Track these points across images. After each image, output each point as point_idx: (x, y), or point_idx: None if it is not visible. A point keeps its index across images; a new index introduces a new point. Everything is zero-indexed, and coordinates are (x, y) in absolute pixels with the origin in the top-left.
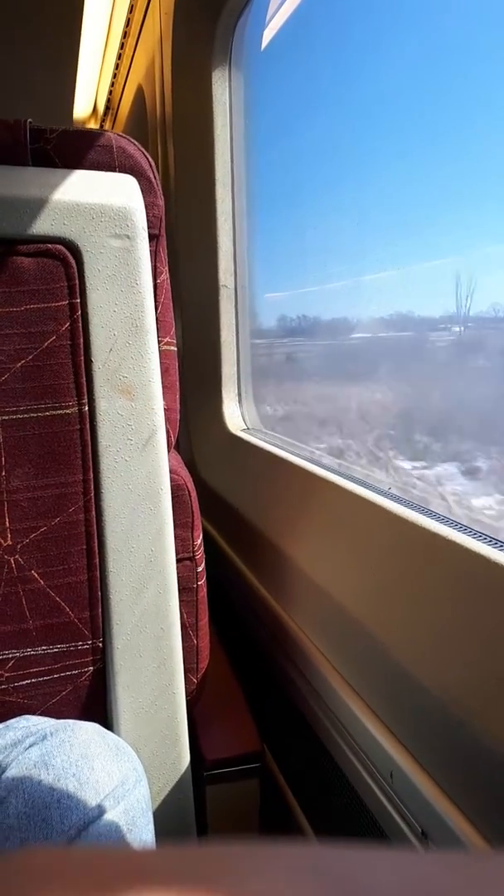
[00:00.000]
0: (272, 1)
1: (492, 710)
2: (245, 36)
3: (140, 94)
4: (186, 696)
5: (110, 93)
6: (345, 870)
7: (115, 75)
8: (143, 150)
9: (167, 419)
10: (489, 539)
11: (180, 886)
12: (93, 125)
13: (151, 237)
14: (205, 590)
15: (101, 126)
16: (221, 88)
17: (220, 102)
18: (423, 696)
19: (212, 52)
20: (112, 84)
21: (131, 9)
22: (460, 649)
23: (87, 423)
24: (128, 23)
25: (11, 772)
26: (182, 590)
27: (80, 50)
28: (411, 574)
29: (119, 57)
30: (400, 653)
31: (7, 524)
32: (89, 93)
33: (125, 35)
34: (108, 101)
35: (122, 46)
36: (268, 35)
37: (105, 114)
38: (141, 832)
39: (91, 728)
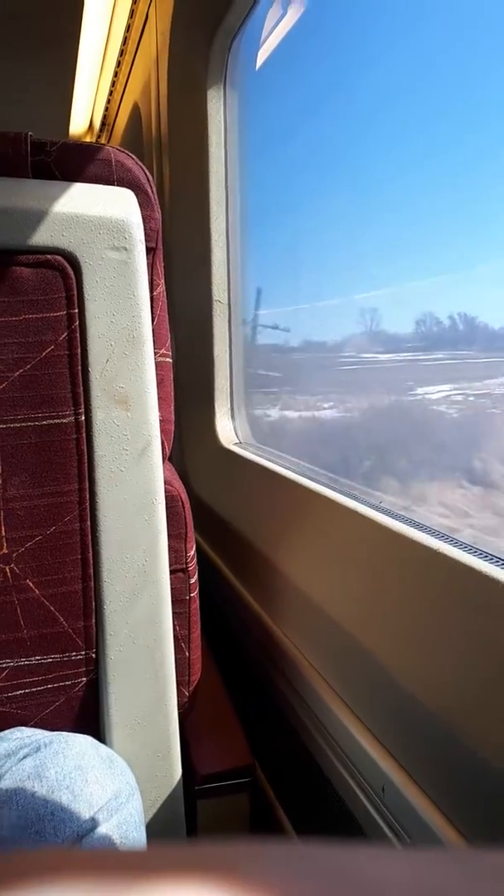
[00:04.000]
0: (267, 22)
1: (485, 724)
2: (240, 55)
3: (136, 111)
4: (178, 709)
5: (106, 109)
6: (340, 865)
7: (111, 92)
8: (140, 164)
9: (162, 430)
10: (481, 553)
11: (177, 883)
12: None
13: (148, 250)
14: (197, 602)
15: (97, 142)
16: (217, 107)
17: (215, 120)
18: (416, 710)
19: (207, 71)
20: (108, 101)
21: (128, 28)
22: (452, 662)
23: (83, 433)
24: (125, 41)
25: (5, 783)
26: (175, 601)
27: (78, 67)
28: (403, 588)
29: (115, 74)
30: (392, 667)
31: (3, 533)
32: (86, 109)
33: (122, 53)
34: (105, 117)
35: (118, 64)
36: (262, 55)
37: (101, 130)
38: (134, 846)
39: (84, 740)
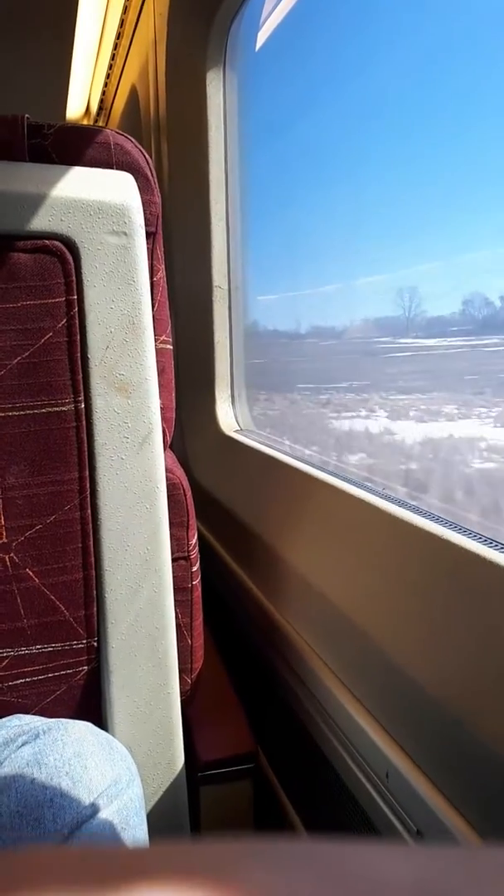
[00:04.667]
0: (266, 3)
1: (487, 709)
2: (239, 37)
3: (134, 94)
4: (181, 697)
5: (104, 93)
6: (344, 864)
7: (108, 75)
8: (140, 147)
9: (163, 418)
10: (486, 539)
11: (178, 883)
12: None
13: (148, 235)
14: (199, 590)
15: (95, 125)
16: (215, 89)
17: (214, 103)
18: (419, 695)
19: (206, 54)
20: (105, 84)
21: (125, 9)
22: (455, 648)
23: (83, 421)
24: (122, 23)
25: (4, 770)
26: (177, 589)
27: (74, 50)
28: (405, 573)
29: (113, 57)
30: (395, 652)
31: (2, 522)
32: (83, 93)
33: (119, 35)
34: (102, 101)
35: (115, 47)
36: (262, 37)
37: (98, 114)
38: (134, 832)
39: (84, 727)
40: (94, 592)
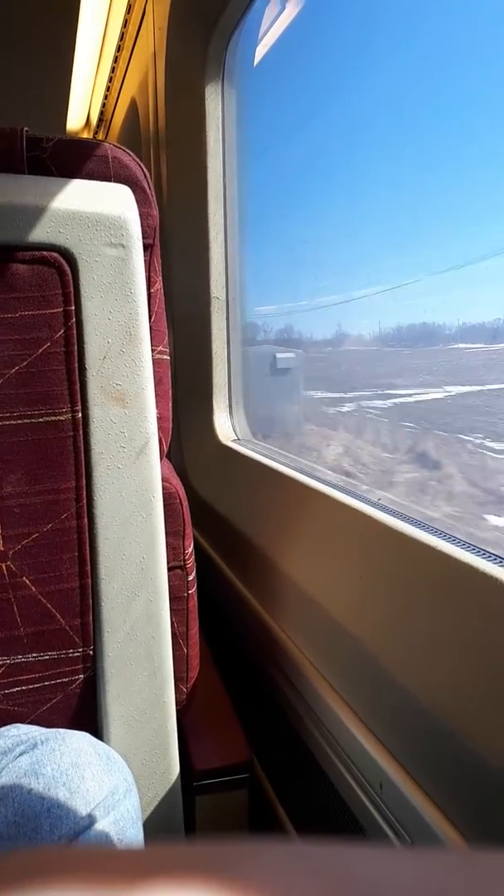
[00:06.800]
0: (265, 18)
1: (481, 720)
2: (238, 52)
3: (133, 107)
4: (176, 706)
5: (104, 105)
6: (343, 866)
7: (108, 88)
8: (138, 160)
9: (160, 428)
10: (480, 550)
11: (177, 883)
12: (86, 137)
13: (146, 247)
14: (195, 599)
15: (95, 138)
16: (214, 103)
17: (212, 117)
18: (413, 706)
19: (205, 68)
20: (105, 97)
21: (125, 23)
22: (449, 659)
23: (80, 431)
24: (122, 37)
25: (1, 780)
26: (173, 598)
27: (75, 63)
28: (400, 584)
29: (113, 70)
30: (389, 663)
31: None
32: (83, 105)
33: (119, 49)
34: (102, 113)
35: (115, 60)
36: (261, 51)
37: (98, 126)
38: (131, 842)
39: (81, 737)
40: (91, 601)
